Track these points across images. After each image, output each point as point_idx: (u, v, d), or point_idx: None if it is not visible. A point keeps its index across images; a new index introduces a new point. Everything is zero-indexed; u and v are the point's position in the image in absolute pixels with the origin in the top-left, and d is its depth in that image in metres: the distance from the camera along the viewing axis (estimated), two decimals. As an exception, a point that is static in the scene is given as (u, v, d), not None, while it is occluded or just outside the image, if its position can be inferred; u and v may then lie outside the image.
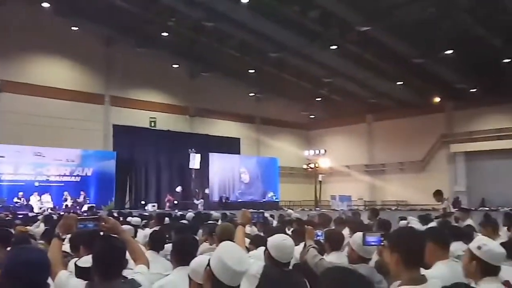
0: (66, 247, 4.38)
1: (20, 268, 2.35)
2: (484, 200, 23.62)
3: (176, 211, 17.52)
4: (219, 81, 26.44)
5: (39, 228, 8.55)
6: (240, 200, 25.37)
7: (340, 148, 30.10)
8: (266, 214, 11.88)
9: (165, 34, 21.52)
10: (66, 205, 20.05)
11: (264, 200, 26.80)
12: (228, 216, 10.76)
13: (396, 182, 28.37)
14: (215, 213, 12.06)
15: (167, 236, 5.63)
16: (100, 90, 23.89)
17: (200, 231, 6.54)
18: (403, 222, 8.03)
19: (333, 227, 7.16)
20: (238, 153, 28.56)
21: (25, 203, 19.40)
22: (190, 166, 23.62)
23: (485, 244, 2.91)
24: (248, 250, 4.54)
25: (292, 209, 19.17)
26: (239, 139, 28.91)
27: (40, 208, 19.03)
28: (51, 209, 18.59)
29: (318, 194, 27.03)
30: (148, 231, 7.58)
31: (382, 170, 29.74)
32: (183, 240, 3.89)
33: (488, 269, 2.83)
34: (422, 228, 6.27)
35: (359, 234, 3.83)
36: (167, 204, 22.82)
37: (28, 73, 21.62)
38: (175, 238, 5.14)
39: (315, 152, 27.68)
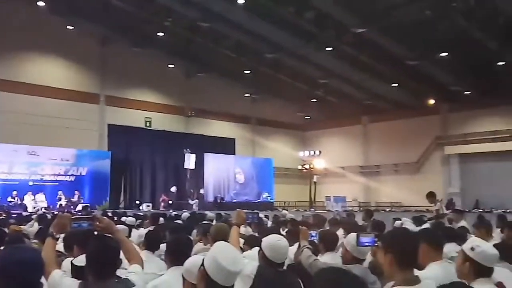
0: (60, 246, 4.37)
1: (13, 268, 2.34)
2: (478, 202, 23.72)
3: (171, 211, 17.51)
4: (214, 81, 26.42)
5: (33, 227, 8.52)
6: (235, 201, 25.36)
7: (335, 149, 30.15)
8: (261, 215, 11.88)
9: (161, 34, 21.50)
10: (60, 205, 19.99)
11: (259, 200, 26.80)
12: (223, 216, 10.76)
13: (391, 183, 28.45)
14: (209, 213, 12.05)
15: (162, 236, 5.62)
16: (96, 89, 23.83)
17: (195, 231, 6.53)
18: (398, 223, 8.05)
19: (328, 228, 7.18)
20: (233, 153, 28.57)
21: (19, 202, 19.33)
22: (185, 166, 23.59)
23: (479, 246, 2.93)
24: (243, 250, 4.54)
25: (287, 210, 19.18)
26: (234, 139, 28.91)
27: (34, 208, 18.98)
28: (45, 209, 18.55)
29: (312, 195, 27.05)
30: (142, 231, 7.58)
31: (376, 171, 29.81)
32: (178, 240, 3.89)
33: (481, 270, 2.85)
34: (416, 229, 6.28)
35: (353, 235, 3.84)
36: (162, 204, 22.79)
37: (23, 72, 21.54)
38: (170, 238, 5.14)
39: (310, 153, 27.71)
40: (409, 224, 7.66)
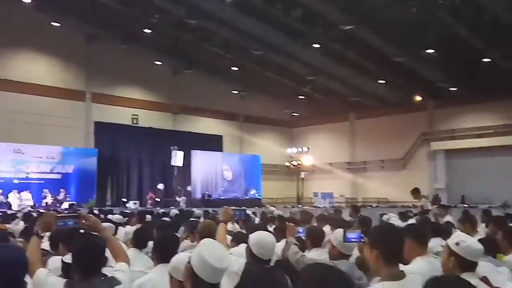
0: (46, 245, 4.34)
1: (-3, 266, 2.32)
2: (464, 197, 23.95)
3: (158, 208, 17.47)
4: (202, 78, 26.33)
5: (18, 225, 8.46)
6: (222, 198, 25.35)
7: (322, 145, 30.24)
8: (249, 211, 11.93)
9: (148, 31, 21.34)
10: (46, 203, 19.80)
11: (246, 197, 26.80)
12: (210, 213, 10.78)
13: (377, 179, 28.62)
14: (197, 211, 12.07)
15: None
16: (82, 87, 23.61)
17: (182, 228, 6.52)
18: (385, 217, 8.12)
19: (315, 224, 7.22)
20: (221, 150, 28.53)
21: (4, 200, 19.11)
22: (172, 164, 23.49)
23: (463, 240, 2.96)
24: (230, 247, 4.55)
25: (275, 206, 19.26)
26: (221, 136, 28.86)
27: (20, 206, 18.78)
28: (30, 207, 18.37)
29: (300, 191, 27.15)
30: (129, 228, 7.56)
31: (363, 167, 29.96)
32: (164, 238, 3.89)
33: (466, 265, 2.88)
34: (402, 224, 6.34)
35: (339, 231, 3.86)
36: (149, 201, 22.68)
37: (8, 70, 21.27)
38: (156, 235, 5.13)
39: (297, 150, 27.78)
40: (395, 220, 7.73)
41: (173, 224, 7.32)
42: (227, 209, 4.39)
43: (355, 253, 4.16)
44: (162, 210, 14.21)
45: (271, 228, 6.18)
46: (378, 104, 28.86)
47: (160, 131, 25.56)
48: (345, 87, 26.92)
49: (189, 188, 24.78)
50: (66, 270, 3.13)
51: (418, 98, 27.08)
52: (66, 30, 21.90)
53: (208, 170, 26.30)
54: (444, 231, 5.26)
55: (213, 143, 27.85)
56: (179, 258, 2.75)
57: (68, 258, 3.18)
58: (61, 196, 20.55)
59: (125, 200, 22.52)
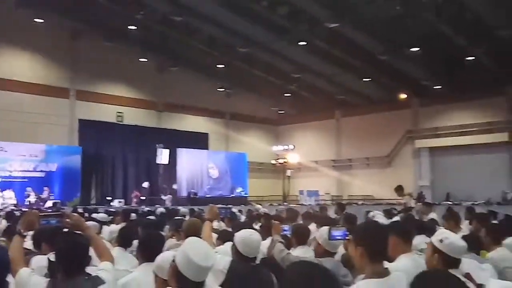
0: (29, 244, 4.30)
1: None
2: (449, 194, 24.20)
3: (143, 207, 17.38)
4: (187, 75, 26.22)
5: (0, 224, 8.35)
6: (208, 196, 25.30)
7: (308, 143, 30.31)
8: (234, 209, 11.93)
9: (132, 27, 21.19)
10: (29, 201, 19.58)
11: (232, 195, 26.78)
12: (196, 212, 10.74)
13: (363, 177, 28.78)
14: (182, 209, 12.03)
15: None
16: (66, 84, 23.36)
17: (167, 227, 6.50)
18: (371, 215, 8.17)
19: (301, 222, 7.23)
20: (207, 148, 28.46)
21: (-14, 199, 18.90)
22: (158, 162, 23.39)
23: (447, 238, 2.99)
24: (216, 245, 4.54)
25: (261, 204, 19.31)
26: (207, 134, 28.78)
27: (2, 205, 18.55)
28: (13, 206, 18.15)
29: (286, 189, 27.20)
30: (113, 227, 7.51)
31: (349, 165, 30.11)
32: (149, 236, 3.87)
33: (450, 262, 2.91)
34: (387, 222, 6.38)
35: (325, 229, 3.88)
36: (134, 200, 22.56)
37: (-10, 66, 21.02)
38: (141, 234, 5.11)
39: (283, 148, 27.84)
40: (380, 217, 7.76)
41: (158, 222, 7.29)
42: (213, 207, 4.38)
43: (341, 250, 4.18)
44: (147, 209, 14.12)
45: (257, 226, 6.18)
46: (364, 102, 29.03)
47: (145, 129, 25.41)
48: (331, 84, 27.03)
49: (174, 186, 24.69)
50: (52, 269, 3.10)
51: (403, 96, 27.31)
52: (50, 27, 21.62)
53: (194, 168, 26.23)
54: (428, 228, 5.30)
55: (198, 141, 27.76)
56: (164, 257, 2.74)
57: (54, 256, 3.15)
58: (44, 194, 20.34)
59: (109, 198, 22.35)
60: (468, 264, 3.13)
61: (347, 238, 3.43)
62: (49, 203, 19.43)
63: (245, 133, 30.56)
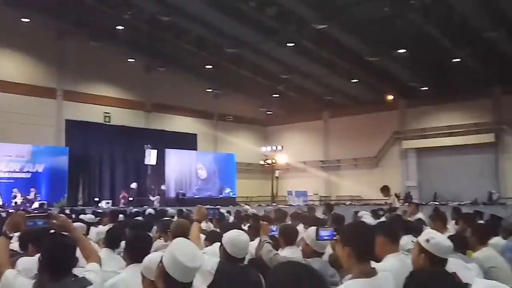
0: (15, 245, 4.27)
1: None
2: (436, 194, 24.39)
3: (131, 207, 17.29)
4: (175, 76, 26.15)
5: (-14, 226, 8.25)
6: (197, 196, 25.23)
7: (296, 144, 30.38)
8: (223, 210, 11.92)
9: (120, 27, 21.08)
10: (16, 202, 19.40)
11: (221, 196, 26.75)
12: (184, 213, 10.71)
13: (351, 177, 28.92)
14: (171, 210, 11.99)
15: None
16: (53, 84, 23.16)
17: (155, 227, 6.47)
18: (360, 215, 8.22)
19: (289, 222, 7.25)
20: (195, 149, 28.37)
21: (-28, 200, 18.69)
22: (146, 162, 23.28)
23: (433, 238, 3.02)
24: (204, 246, 4.53)
25: (249, 205, 19.29)
26: (196, 135, 28.70)
27: (-12, 206, 18.37)
28: (-1, 207, 17.99)
29: (274, 189, 27.23)
30: (101, 228, 7.47)
31: (337, 166, 30.22)
32: (136, 237, 3.86)
33: (436, 262, 2.93)
34: (374, 222, 6.41)
35: (313, 229, 3.89)
36: (122, 201, 22.43)
37: (-25, 66, 20.79)
38: (129, 235, 5.08)
39: (272, 148, 27.86)
40: (368, 218, 7.81)
41: (146, 223, 7.26)
42: (201, 208, 4.37)
43: (329, 250, 4.20)
44: (135, 210, 14.05)
45: (245, 227, 6.18)
46: (351, 103, 29.17)
47: (133, 130, 25.27)
48: (319, 85, 27.12)
49: (163, 187, 24.59)
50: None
51: (390, 97, 27.48)
52: (36, 26, 21.44)
53: (182, 168, 26.15)
54: (415, 229, 5.34)
55: (187, 141, 27.67)
56: (152, 258, 2.73)
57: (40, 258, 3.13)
58: (31, 195, 20.15)
59: (97, 199, 22.22)
60: (454, 264, 3.15)
61: (334, 238, 3.45)
62: (35, 204, 19.26)
63: (234, 133, 30.55)
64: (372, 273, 2.50)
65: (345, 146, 29.13)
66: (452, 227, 6.77)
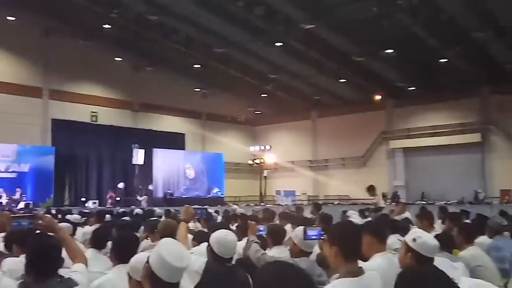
0: (1, 246, 4.22)
1: None
2: (424, 193, 24.57)
3: (118, 207, 17.20)
4: (163, 75, 26.04)
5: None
6: (185, 196, 25.16)
7: (285, 143, 30.43)
8: (211, 210, 11.89)
9: (107, 26, 20.94)
10: (1, 203, 19.18)
11: (209, 195, 26.72)
12: (172, 212, 10.68)
13: (339, 177, 29.02)
14: (158, 210, 11.95)
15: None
16: (39, 83, 22.94)
17: (142, 227, 6.44)
18: (348, 214, 8.25)
19: (277, 222, 7.26)
20: (183, 148, 28.29)
21: (-44, 201, 18.45)
22: (133, 162, 23.16)
23: (420, 237, 3.03)
24: (192, 246, 4.51)
25: (237, 205, 19.28)
26: (184, 134, 28.61)
27: (-27, 206, 18.15)
28: (-16, 207, 17.77)
29: (263, 189, 27.24)
30: (87, 228, 7.41)
31: (325, 165, 30.32)
32: (123, 237, 3.83)
33: (423, 261, 2.95)
34: (362, 221, 6.44)
35: (300, 229, 3.89)
36: (109, 201, 22.31)
37: (-40, 64, 20.52)
38: (115, 235, 5.05)
39: (260, 148, 27.88)
40: (355, 217, 7.84)
41: (133, 223, 7.22)
42: (188, 208, 4.35)
43: (316, 250, 4.20)
44: (122, 210, 13.97)
45: (233, 227, 6.18)
46: (339, 102, 29.28)
47: (121, 129, 25.12)
48: (307, 85, 27.18)
49: (150, 187, 24.49)
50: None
51: (378, 97, 27.63)
52: (22, 25, 21.21)
53: (170, 168, 26.07)
54: (402, 228, 5.36)
55: (175, 141, 27.58)
56: (138, 258, 2.71)
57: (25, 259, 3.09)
58: (16, 195, 19.95)
59: (84, 199, 22.07)
60: (441, 263, 3.17)
61: (322, 237, 3.45)
62: (21, 205, 19.07)
63: (222, 133, 30.50)
64: (359, 272, 2.51)
65: (333, 146, 29.23)
66: (438, 226, 6.82)
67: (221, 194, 27.58)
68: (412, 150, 26.82)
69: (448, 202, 19.33)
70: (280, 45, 21.05)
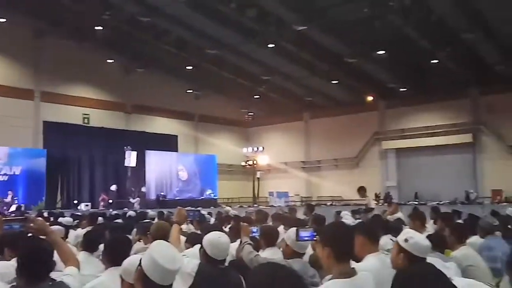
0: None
1: None
2: (416, 194, 24.67)
3: (111, 210, 17.13)
4: (156, 77, 25.98)
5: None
6: (178, 198, 25.11)
7: (277, 145, 30.47)
8: (204, 212, 11.87)
9: (99, 28, 20.87)
10: (-7, 206, 19.07)
11: (202, 197, 26.68)
12: (165, 214, 10.65)
13: (331, 178, 29.08)
14: (151, 212, 11.91)
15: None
16: (30, 85, 22.79)
17: (135, 230, 6.42)
18: (342, 214, 8.28)
19: (270, 223, 7.25)
20: (176, 150, 28.20)
21: None
22: (126, 164, 23.08)
23: (412, 237, 3.04)
24: (185, 248, 4.50)
25: (230, 206, 19.26)
26: (176, 136, 28.53)
27: (-36, 209, 18.00)
28: (-24, 210, 17.64)
29: (256, 190, 27.24)
30: (80, 231, 7.37)
31: (318, 166, 30.38)
32: (115, 240, 3.81)
33: (415, 261, 2.96)
34: (355, 222, 6.46)
35: (293, 230, 3.90)
36: (102, 203, 22.20)
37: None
38: (108, 238, 5.03)
39: (253, 149, 27.89)
40: (348, 218, 7.87)
41: (126, 226, 7.20)
42: (180, 210, 4.33)
43: (309, 251, 4.20)
44: (115, 212, 13.91)
45: (226, 228, 6.17)
46: (332, 104, 29.35)
47: (113, 131, 25.01)
48: (300, 87, 27.23)
49: (143, 189, 24.42)
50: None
51: (370, 98, 27.72)
52: (13, 26, 21.07)
53: (163, 170, 26.00)
54: (395, 228, 5.38)
55: (167, 143, 27.50)
56: (131, 261, 2.70)
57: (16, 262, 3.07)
58: (8, 198, 19.82)
59: (76, 202, 21.96)
60: (433, 263, 3.19)
61: (314, 239, 3.45)
62: (13, 207, 18.94)
63: (215, 135, 30.47)
64: (352, 273, 2.51)
65: (326, 147, 29.30)
66: (430, 226, 6.85)
67: (214, 196, 27.55)
68: (404, 151, 26.94)
69: (440, 202, 19.43)
70: (272, 47, 21.08)
